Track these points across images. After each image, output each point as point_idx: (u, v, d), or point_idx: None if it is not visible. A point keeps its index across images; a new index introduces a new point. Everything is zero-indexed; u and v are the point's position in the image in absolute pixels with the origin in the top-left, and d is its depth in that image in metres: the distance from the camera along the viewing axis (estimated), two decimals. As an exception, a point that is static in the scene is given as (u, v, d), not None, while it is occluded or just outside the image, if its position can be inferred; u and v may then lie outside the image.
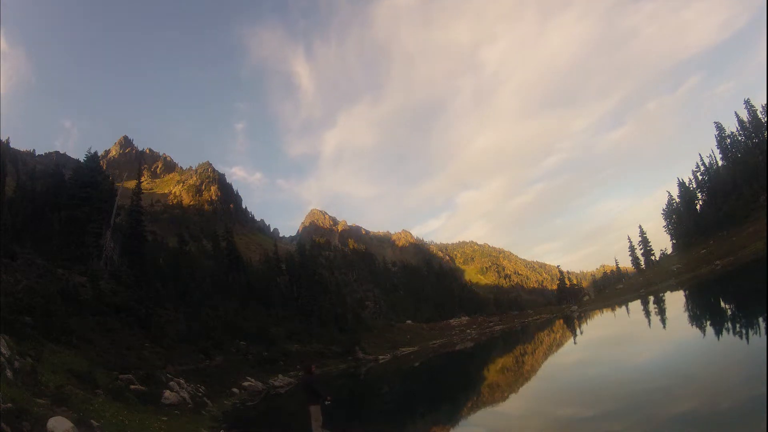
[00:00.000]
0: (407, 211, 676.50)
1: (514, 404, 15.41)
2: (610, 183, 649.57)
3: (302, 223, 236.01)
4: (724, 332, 16.29)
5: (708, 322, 19.94)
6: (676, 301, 38.64)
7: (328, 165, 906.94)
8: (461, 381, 24.65)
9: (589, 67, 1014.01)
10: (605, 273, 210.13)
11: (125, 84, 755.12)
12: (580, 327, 43.32)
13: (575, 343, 32.21)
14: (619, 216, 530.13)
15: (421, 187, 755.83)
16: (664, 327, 23.82)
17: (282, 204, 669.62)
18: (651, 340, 20.43)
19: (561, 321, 57.89)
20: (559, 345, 33.58)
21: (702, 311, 26.81)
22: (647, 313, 35.13)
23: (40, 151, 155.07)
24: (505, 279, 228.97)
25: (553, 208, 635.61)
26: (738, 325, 16.71)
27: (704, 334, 17.21)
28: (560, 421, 11.07)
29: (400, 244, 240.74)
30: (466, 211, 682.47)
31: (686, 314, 27.71)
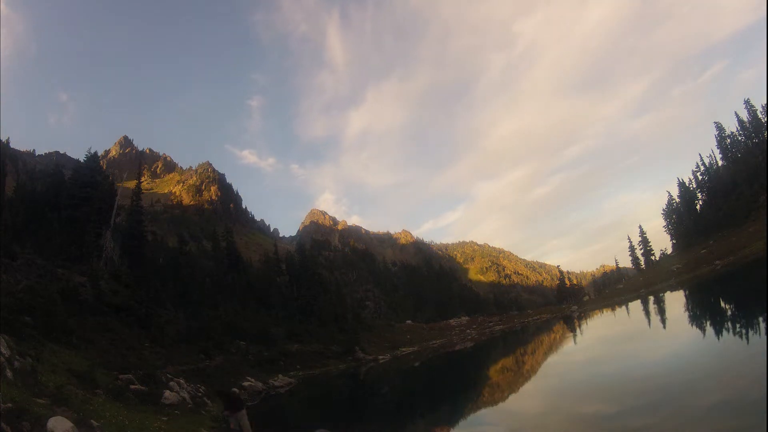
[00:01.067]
0: (425, 202, 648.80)
1: (529, 402, 15.15)
2: (629, 175, 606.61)
3: (302, 223, 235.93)
4: (732, 329, 16.34)
5: (710, 321, 19.99)
6: (676, 301, 38.66)
7: (349, 149, 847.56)
8: (466, 380, 24.63)
9: (622, 47, 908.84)
10: (605, 273, 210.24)
11: (129, 62, 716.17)
12: (580, 327, 43.32)
13: (575, 343, 32.21)
14: (635, 210, 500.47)
15: (441, 176, 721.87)
16: (665, 327, 23.83)
17: (294, 192, 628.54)
18: (656, 338, 20.46)
19: (562, 321, 57.89)
20: (564, 344, 33.54)
21: (702, 311, 26.84)
22: (647, 313, 35.14)
23: (40, 151, 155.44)
24: (505, 279, 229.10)
25: (570, 202, 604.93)
26: (738, 325, 16.75)
27: (714, 332, 17.24)
28: (584, 418, 10.86)
29: (401, 243, 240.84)
30: (484, 204, 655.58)
31: (690, 313, 27.78)
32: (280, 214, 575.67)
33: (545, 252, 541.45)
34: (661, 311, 33.61)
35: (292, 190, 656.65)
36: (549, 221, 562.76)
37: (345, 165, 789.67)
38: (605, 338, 29.45)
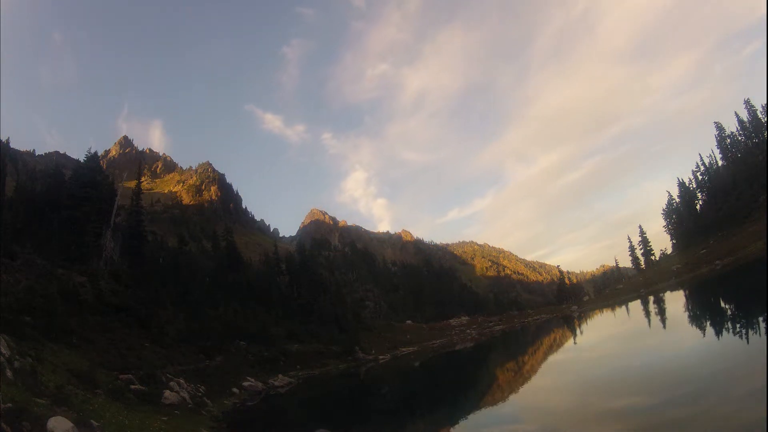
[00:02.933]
0: (455, 185, 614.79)
1: (555, 400, 14.80)
2: (656, 161, 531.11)
3: (302, 223, 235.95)
4: (732, 329, 16.36)
5: (711, 320, 20.01)
6: (676, 301, 38.67)
7: (394, 117, 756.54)
8: (476, 380, 24.53)
9: (678, 14, 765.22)
10: (605, 273, 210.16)
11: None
12: (580, 327, 43.32)
13: (582, 341, 32.21)
14: (656, 200, 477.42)
15: (477, 157, 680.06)
16: (664, 327, 23.84)
17: (321, 168, 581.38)
18: (660, 335, 20.52)
19: (563, 321, 57.88)
20: (570, 343, 33.46)
21: (703, 311, 26.85)
22: (647, 313, 35.20)
23: (40, 151, 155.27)
24: (505, 279, 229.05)
25: (598, 188, 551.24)
26: (738, 325, 16.76)
27: (715, 331, 17.30)
28: (620, 412, 10.64)
29: (400, 243, 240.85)
30: (514, 190, 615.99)
31: (691, 313, 27.78)
32: (280, 214, 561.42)
33: (560, 247, 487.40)
34: (662, 311, 33.63)
35: (320, 166, 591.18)
36: (571, 211, 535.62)
37: (385, 136, 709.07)
38: (612, 336, 29.37)
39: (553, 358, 27.28)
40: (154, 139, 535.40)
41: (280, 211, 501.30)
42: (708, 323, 19.68)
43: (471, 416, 15.10)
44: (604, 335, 32.75)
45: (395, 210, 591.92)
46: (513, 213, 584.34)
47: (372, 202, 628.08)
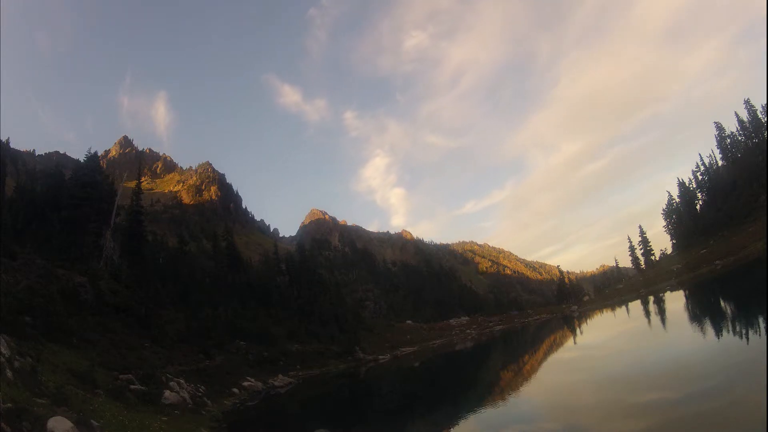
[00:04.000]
0: (476, 174, 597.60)
1: (574, 397, 14.40)
2: (683, 149, 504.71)
3: (302, 222, 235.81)
4: (732, 329, 16.36)
5: (712, 320, 20.00)
6: (677, 300, 38.66)
7: (427, 94, 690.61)
8: (486, 379, 24.44)
9: None
10: (605, 273, 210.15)
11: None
12: (581, 326, 43.31)
13: (575, 343, 32.20)
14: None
15: (502, 144, 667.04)
16: (664, 327, 23.84)
17: (339, 152, 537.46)
18: (669, 334, 20.49)
19: (566, 321, 57.86)
20: (575, 342, 33.45)
21: (703, 311, 26.85)
22: (647, 313, 35.20)
23: (40, 151, 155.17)
24: (505, 279, 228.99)
25: (616, 180, 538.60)
26: (738, 325, 16.78)
27: (715, 329, 17.30)
28: (643, 407, 10.46)
29: (400, 243, 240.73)
30: (535, 181, 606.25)
31: (692, 312, 27.77)
32: (281, 214, 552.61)
33: (568, 245, 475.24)
34: (662, 311, 33.65)
35: (338, 149, 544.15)
36: (585, 207, 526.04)
37: (415, 117, 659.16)
38: (618, 335, 29.28)
39: (559, 357, 27.20)
40: (158, 113, 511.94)
41: (280, 211, 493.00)
42: (714, 322, 19.66)
43: (485, 416, 14.73)
44: (609, 334, 32.68)
45: (412, 201, 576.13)
46: (530, 207, 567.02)
47: (389, 192, 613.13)
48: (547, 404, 14.63)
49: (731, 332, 15.85)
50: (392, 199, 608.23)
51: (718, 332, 16.71)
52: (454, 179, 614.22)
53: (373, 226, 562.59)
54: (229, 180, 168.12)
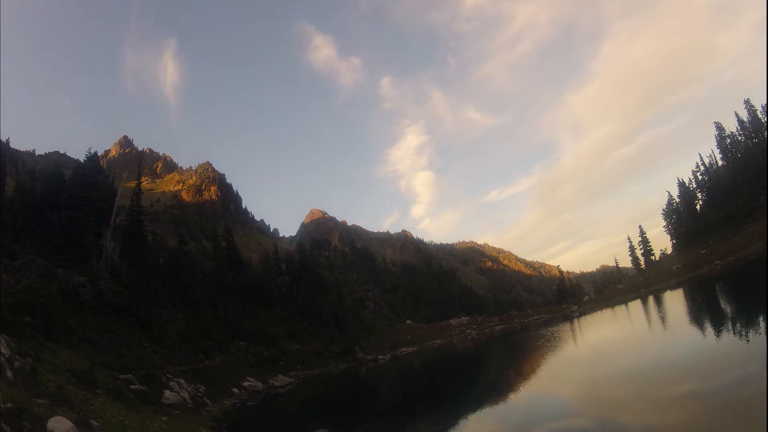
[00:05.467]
0: (507, 158, 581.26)
1: (601, 391, 13.80)
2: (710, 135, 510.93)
3: (302, 222, 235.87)
4: (732, 329, 16.34)
5: (712, 318, 19.99)
6: (677, 300, 38.64)
7: (481, 58, 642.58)
8: (498, 377, 24.27)
9: None
10: (605, 273, 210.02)
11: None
12: (582, 325, 43.29)
13: (574, 343, 32.16)
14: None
15: (536, 122, 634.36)
16: (672, 325, 23.83)
17: (370, 124, 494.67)
18: (681, 331, 20.35)
19: (567, 321, 57.82)
20: (582, 339, 33.37)
21: (704, 310, 26.84)
22: (647, 313, 35.18)
23: (40, 151, 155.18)
24: (505, 279, 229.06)
25: (642, 167, 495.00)
26: (738, 324, 16.76)
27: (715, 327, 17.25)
28: (680, 398, 10.20)
29: (400, 243, 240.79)
30: (564, 167, 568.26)
31: (691, 312, 27.75)
32: (280, 214, 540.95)
33: (578, 242, 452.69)
34: (662, 311, 33.63)
35: (368, 120, 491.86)
36: (608, 196, 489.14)
37: (462, 84, 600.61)
38: (629, 332, 28.94)
39: (571, 354, 26.81)
40: (167, 63, 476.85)
41: (280, 210, 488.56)
42: (725, 320, 19.63)
43: (509, 413, 14.25)
44: (617, 331, 32.60)
45: (438, 188, 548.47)
46: (552, 197, 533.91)
47: (415, 177, 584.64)
48: (575, 399, 14.02)
49: (744, 329, 15.80)
50: (418, 186, 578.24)
51: (735, 329, 16.62)
52: (484, 163, 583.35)
53: (392, 218, 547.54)
54: (229, 180, 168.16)
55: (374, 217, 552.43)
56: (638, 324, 31.09)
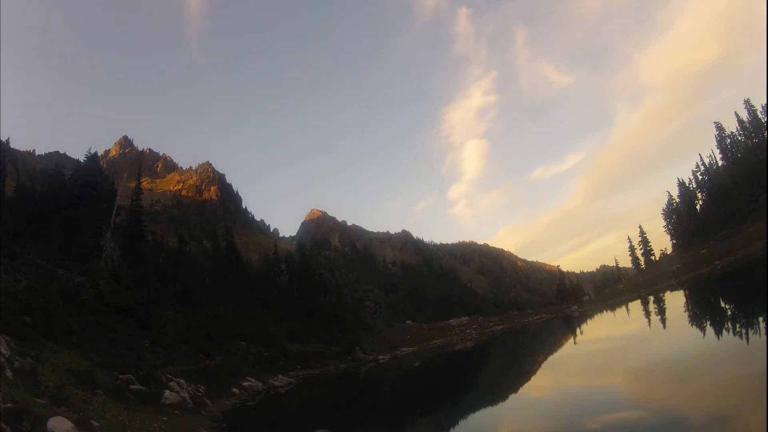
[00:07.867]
0: (569, 123, 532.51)
1: (642, 383, 13.06)
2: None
3: (302, 222, 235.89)
4: (732, 329, 16.34)
5: (712, 318, 19.98)
6: (677, 300, 38.66)
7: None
8: (509, 375, 24.27)
9: None
10: (605, 273, 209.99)
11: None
12: (586, 324, 43.31)
13: (576, 341, 32.16)
14: None
15: (600, 85, 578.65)
16: (663, 326, 23.84)
17: (433, 65, 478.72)
18: (662, 333, 20.31)
19: (568, 320, 57.84)
20: (587, 338, 33.19)
21: (704, 310, 26.85)
22: (647, 313, 35.20)
23: (40, 151, 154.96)
24: (505, 279, 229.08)
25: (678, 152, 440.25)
26: (738, 324, 16.76)
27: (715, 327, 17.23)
28: (736, 381, 9.88)
29: (400, 243, 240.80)
30: (615, 140, 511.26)
31: (692, 312, 27.74)
32: (280, 214, 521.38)
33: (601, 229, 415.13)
34: (661, 311, 33.64)
35: (431, 63, 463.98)
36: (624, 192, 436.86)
37: (554, 20, 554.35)
38: (631, 329, 28.93)
39: (584, 349, 26.67)
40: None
41: (280, 211, 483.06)
42: (729, 317, 19.61)
43: (546, 407, 13.70)
44: (623, 328, 32.44)
45: (489, 160, 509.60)
46: (594, 180, 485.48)
47: (465, 146, 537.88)
48: (618, 390, 13.48)
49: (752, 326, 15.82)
50: (467, 159, 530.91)
51: (743, 326, 16.62)
52: (540, 132, 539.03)
53: (431, 197, 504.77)
54: (229, 180, 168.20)
55: (374, 217, 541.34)
56: (641, 323, 30.98)
